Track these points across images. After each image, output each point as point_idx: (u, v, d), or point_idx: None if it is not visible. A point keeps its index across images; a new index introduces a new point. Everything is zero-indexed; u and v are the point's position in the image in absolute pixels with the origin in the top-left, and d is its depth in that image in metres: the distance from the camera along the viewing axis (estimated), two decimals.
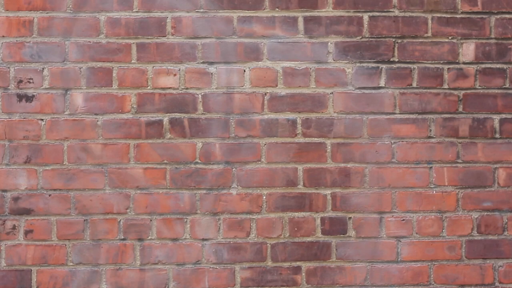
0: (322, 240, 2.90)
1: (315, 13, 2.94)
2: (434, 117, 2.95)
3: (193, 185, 2.88)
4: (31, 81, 2.88)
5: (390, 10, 2.96)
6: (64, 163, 2.87)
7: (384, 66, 2.94)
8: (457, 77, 2.97)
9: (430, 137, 2.95)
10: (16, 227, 2.84)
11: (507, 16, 2.98)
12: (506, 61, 2.98)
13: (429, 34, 2.96)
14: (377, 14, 2.96)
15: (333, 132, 2.92)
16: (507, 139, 2.97)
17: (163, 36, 2.91)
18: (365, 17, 2.95)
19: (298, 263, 2.89)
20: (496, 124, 2.96)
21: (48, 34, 2.89)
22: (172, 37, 2.91)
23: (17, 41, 2.89)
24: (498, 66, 2.98)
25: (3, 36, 2.88)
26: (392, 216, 2.93)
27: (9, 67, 2.88)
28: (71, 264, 2.86)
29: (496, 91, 2.97)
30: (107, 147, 2.88)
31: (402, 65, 2.95)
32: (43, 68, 2.88)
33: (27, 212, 2.85)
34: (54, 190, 2.86)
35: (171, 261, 2.86)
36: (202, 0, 2.92)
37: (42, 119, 2.87)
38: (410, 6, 2.96)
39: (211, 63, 2.91)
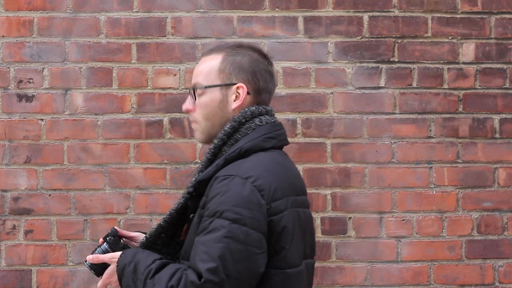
0: (322, 240, 2.90)
1: (315, 13, 2.94)
2: (434, 117, 2.95)
3: None
4: (31, 81, 2.88)
5: (390, 10, 2.96)
6: (64, 163, 2.87)
7: (384, 66, 2.94)
8: (457, 77, 2.97)
9: (430, 137, 2.95)
10: (16, 227, 2.84)
11: (507, 16, 2.98)
12: (506, 61, 2.97)
13: (429, 34, 2.96)
14: (377, 14, 2.95)
15: (333, 132, 2.92)
16: (507, 139, 2.97)
17: (163, 36, 2.91)
18: (365, 17, 2.95)
19: None
20: (496, 124, 2.96)
21: (48, 34, 2.89)
22: (172, 37, 2.91)
23: (17, 41, 2.88)
24: (498, 66, 2.97)
25: (3, 36, 2.88)
26: (392, 216, 2.93)
27: (9, 67, 2.88)
28: (71, 264, 2.86)
29: (496, 91, 2.97)
30: (107, 147, 2.88)
31: (402, 65, 2.95)
32: (43, 68, 2.88)
33: (27, 212, 2.85)
34: (54, 190, 2.86)
35: None
36: (202, 0, 2.92)
37: (42, 119, 2.87)
38: (410, 6, 2.96)
39: None
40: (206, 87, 1.70)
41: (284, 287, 1.60)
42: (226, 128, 1.67)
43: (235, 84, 1.69)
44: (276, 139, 1.70)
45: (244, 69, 1.70)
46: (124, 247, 1.78)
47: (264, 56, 1.76)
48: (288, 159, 1.76)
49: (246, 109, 1.69)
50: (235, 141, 1.67)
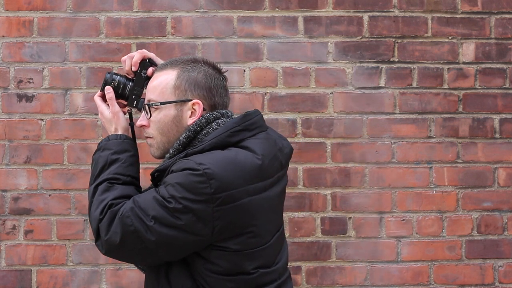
0: (322, 240, 2.90)
1: (315, 13, 2.94)
2: (434, 117, 2.95)
3: None
4: (31, 81, 2.88)
5: (390, 10, 2.96)
6: (64, 163, 2.87)
7: (384, 66, 2.94)
8: (457, 77, 2.97)
9: (430, 137, 2.95)
10: (16, 227, 2.84)
11: (507, 16, 2.98)
12: (506, 61, 2.97)
13: (429, 34, 2.96)
14: (377, 14, 2.95)
15: (333, 132, 2.92)
16: (507, 139, 2.97)
17: (163, 36, 2.91)
18: (365, 17, 2.95)
19: (298, 263, 2.89)
20: (496, 124, 2.96)
21: (48, 34, 2.89)
22: (172, 37, 2.91)
23: (17, 41, 2.88)
24: (498, 66, 2.97)
25: (3, 36, 2.88)
26: (392, 216, 2.93)
27: (9, 67, 2.88)
28: (71, 264, 2.86)
29: (496, 91, 2.97)
30: None
31: (402, 65, 2.95)
32: (43, 68, 2.88)
33: (27, 212, 2.85)
34: (54, 190, 2.86)
35: None
36: (202, 0, 2.92)
37: (42, 119, 2.87)
38: (410, 6, 2.96)
39: None
40: (161, 103, 1.73)
41: (249, 262, 1.66)
42: (181, 138, 1.71)
43: (190, 100, 1.72)
44: (247, 130, 1.70)
45: (199, 85, 1.72)
46: (138, 95, 1.86)
47: (219, 71, 1.78)
48: (269, 142, 1.74)
49: (201, 117, 1.71)
50: (200, 141, 1.69)
